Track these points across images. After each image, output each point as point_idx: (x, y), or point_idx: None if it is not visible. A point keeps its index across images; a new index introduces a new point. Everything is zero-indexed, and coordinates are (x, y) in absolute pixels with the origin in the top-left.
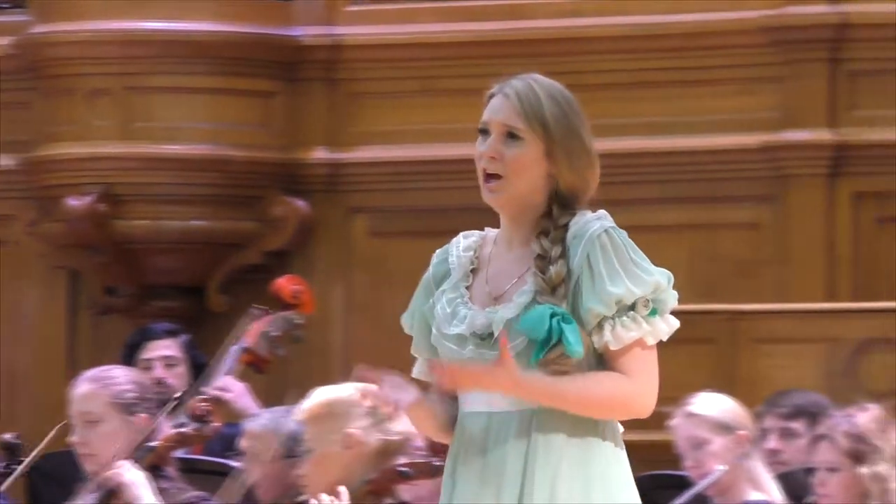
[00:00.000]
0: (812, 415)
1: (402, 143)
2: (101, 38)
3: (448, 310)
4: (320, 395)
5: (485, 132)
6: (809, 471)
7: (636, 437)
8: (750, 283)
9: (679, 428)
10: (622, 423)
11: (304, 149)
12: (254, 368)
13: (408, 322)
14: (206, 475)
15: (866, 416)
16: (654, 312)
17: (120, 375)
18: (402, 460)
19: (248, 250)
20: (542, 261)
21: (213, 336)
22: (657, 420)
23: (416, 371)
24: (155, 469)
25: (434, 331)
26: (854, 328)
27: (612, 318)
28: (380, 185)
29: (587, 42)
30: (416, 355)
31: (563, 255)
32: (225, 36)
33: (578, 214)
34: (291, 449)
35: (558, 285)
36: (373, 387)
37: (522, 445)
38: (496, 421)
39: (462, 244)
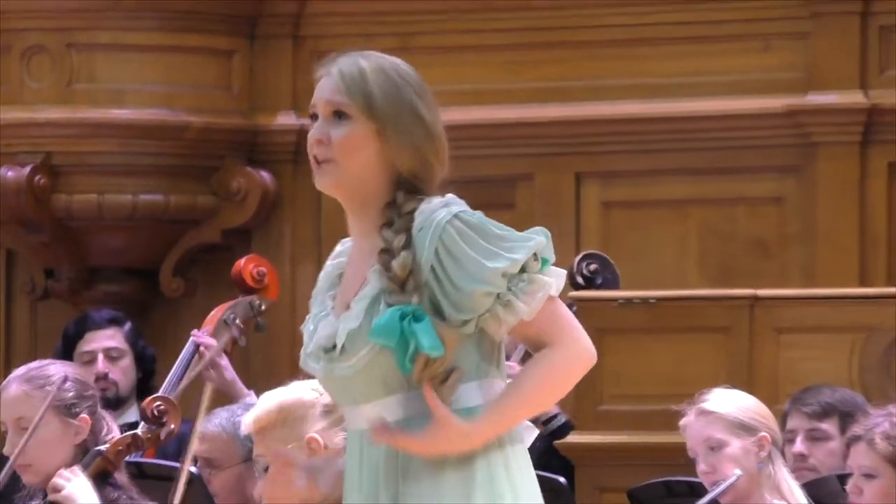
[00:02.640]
0: (844, 414)
1: None
2: None
3: (311, 327)
4: (268, 400)
5: (315, 116)
6: (842, 477)
7: (643, 438)
8: (771, 265)
9: (692, 428)
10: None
11: (268, 114)
12: None
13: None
14: (158, 481)
15: None
16: (545, 262)
17: (55, 372)
18: None
19: (205, 228)
20: (386, 255)
21: (166, 324)
22: (666, 420)
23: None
24: (103, 476)
25: (302, 351)
26: (890, 316)
27: (509, 289)
28: None
29: None
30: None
31: (408, 245)
32: None
33: (425, 201)
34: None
35: (405, 280)
36: None
37: (392, 462)
38: (367, 437)
39: (336, 251)
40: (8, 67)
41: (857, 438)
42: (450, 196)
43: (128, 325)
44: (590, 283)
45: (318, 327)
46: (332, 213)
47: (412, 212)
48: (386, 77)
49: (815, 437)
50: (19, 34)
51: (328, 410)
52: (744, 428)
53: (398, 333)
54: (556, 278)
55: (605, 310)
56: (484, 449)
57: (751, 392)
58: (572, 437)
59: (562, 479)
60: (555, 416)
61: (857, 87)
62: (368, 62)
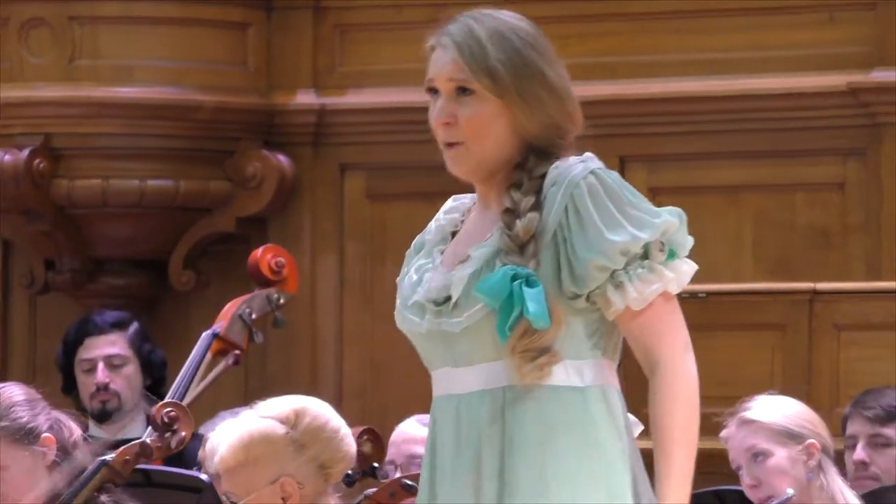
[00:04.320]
0: None
1: (405, 84)
2: None
3: (415, 277)
4: (232, 436)
5: (434, 90)
6: None
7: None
8: (833, 257)
9: (733, 439)
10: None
11: (287, 93)
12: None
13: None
14: (164, 490)
15: None
16: (672, 255)
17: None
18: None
19: (218, 216)
20: (511, 215)
21: (175, 320)
22: (717, 424)
23: None
24: (107, 489)
25: (398, 304)
26: None
27: (625, 271)
28: (379, 136)
29: None
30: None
31: (537, 207)
32: None
33: (561, 160)
34: None
35: (526, 242)
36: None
37: (496, 432)
38: (465, 404)
39: (448, 206)
40: (5, 42)
41: None
42: (587, 154)
43: (133, 328)
44: None
45: (423, 278)
46: (356, 201)
47: (543, 175)
48: (506, 42)
49: (877, 443)
50: (17, 6)
51: (301, 445)
52: (790, 436)
53: (506, 294)
54: (678, 275)
55: None
56: (594, 417)
57: (809, 394)
58: None
59: None
60: None
61: None
62: (483, 27)
